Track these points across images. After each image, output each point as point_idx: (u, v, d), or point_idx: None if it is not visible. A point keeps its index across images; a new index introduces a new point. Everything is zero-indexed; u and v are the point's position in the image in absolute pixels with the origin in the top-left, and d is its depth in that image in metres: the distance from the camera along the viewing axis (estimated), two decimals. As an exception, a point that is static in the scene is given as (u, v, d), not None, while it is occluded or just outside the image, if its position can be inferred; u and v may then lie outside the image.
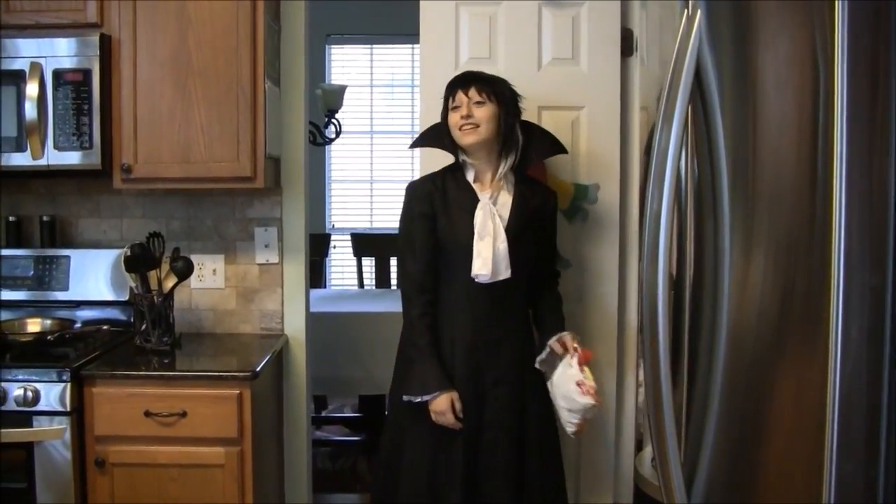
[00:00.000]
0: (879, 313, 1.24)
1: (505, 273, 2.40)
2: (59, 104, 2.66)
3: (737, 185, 1.37)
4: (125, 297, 2.95)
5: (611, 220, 2.91)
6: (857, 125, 1.23)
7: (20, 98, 2.65)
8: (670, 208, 1.38)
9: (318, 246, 5.26)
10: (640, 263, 1.43)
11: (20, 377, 2.44)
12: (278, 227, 3.06)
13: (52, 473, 2.44)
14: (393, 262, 5.11)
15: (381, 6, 5.72)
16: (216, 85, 2.69)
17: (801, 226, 1.30)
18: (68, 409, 2.44)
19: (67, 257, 2.97)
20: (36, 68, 2.64)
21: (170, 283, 2.78)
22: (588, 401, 2.34)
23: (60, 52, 2.66)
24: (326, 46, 6.33)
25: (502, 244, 2.40)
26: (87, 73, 2.66)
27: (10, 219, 3.03)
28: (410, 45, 6.19)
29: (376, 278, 5.44)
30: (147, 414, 2.47)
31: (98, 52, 2.66)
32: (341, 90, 4.87)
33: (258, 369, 2.57)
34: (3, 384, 2.43)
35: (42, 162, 2.67)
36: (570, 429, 2.43)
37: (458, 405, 2.41)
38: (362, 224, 6.48)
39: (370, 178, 6.55)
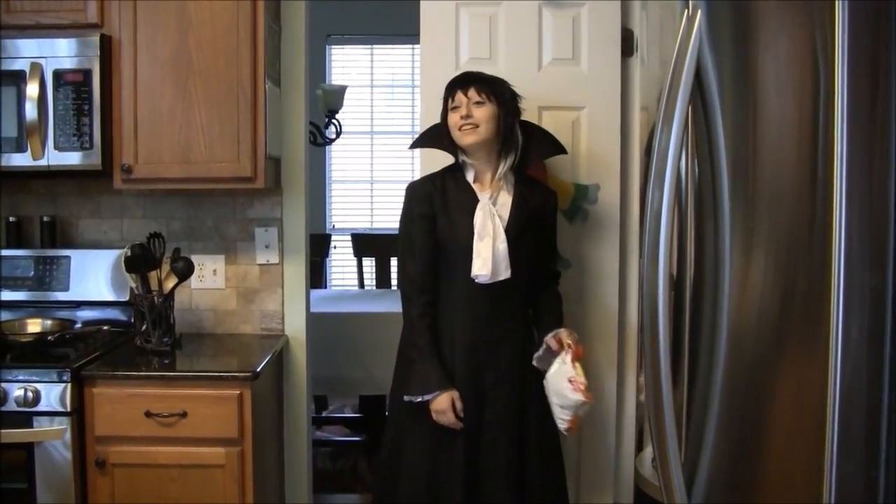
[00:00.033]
0: (880, 313, 1.24)
1: (505, 273, 2.40)
2: (60, 104, 2.66)
3: (737, 186, 1.38)
4: (125, 298, 2.95)
5: (611, 220, 2.91)
6: (857, 125, 1.23)
7: (20, 98, 2.65)
8: (670, 208, 1.38)
9: (319, 246, 5.26)
10: (641, 263, 1.43)
11: (20, 378, 2.44)
12: (279, 227, 3.06)
13: (52, 474, 2.44)
14: (393, 262, 5.11)
15: (382, 6, 5.72)
16: (216, 85, 2.69)
17: (801, 226, 1.30)
18: (69, 409, 2.44)
19: (68, 258, 2.97)
20: (36, 69, 2.64)
21: (170, 283, 2.79)
22: (578, 397, 2.34)
23: (61, 53, 2.66)
24: (327, 47, 6.33)
25: (502, 244, 2.40)
26: (87, 74, 2.66)
27: (11, 219, 3.03)
28: (411, 46, 6.19)
29: (377, 279, 5.44)
30: (147, 414, 2.47)
31: (98, 53, 2.66)
32: (341, 90, 4.87)
33: (258, 370, 2.57)
34: (4, 385, 2.43)
35: (42, 162, 2.67)
36: (562, 425, 2.43)
37: (458, 404, 2.41)
38: (363, 224, 6.47)
39: (370, 178, 6.55)
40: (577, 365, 2.39)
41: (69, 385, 2.44)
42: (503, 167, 2.48)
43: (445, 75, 2.59)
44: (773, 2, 1.34)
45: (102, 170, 2.70)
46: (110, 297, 2.97)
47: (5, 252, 2.98)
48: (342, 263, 6.48)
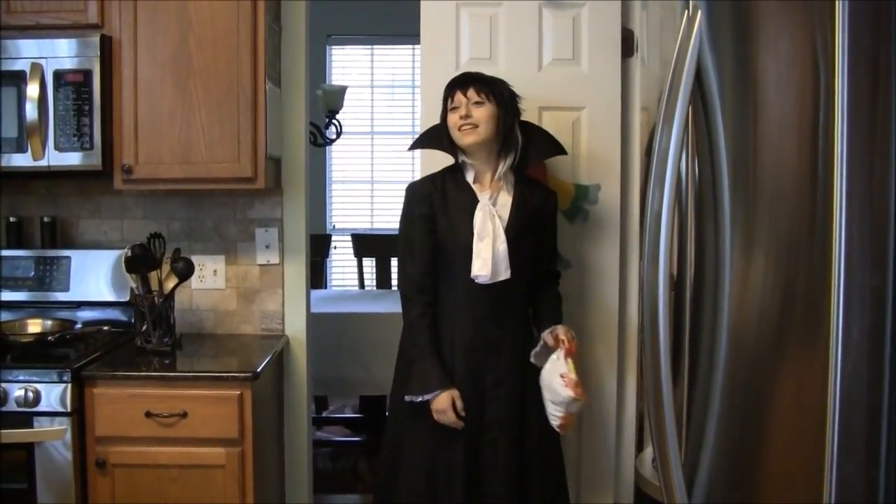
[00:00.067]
0: (880, 314, 1.24)
1: (505, 274, 2.40)
2: (60, 105, 2.66)
3: (737, 186, 1.38)
4: (126, 298, 2.95)
5: (611, 220, 2.91)
6: (857, 125, 1.23)
7: (21, 99, 2.65)
8: (671, 209, 1.38)
9: (319, 246, 5.26)
10: (641, 264, 1.43)
11: (21, 378, 2.44)
12: (279, 227, 3.06)
13: (52, 474, 2.44)
14: (394, 262, 5.10)
15: (382, 7, 5.72)
16: (217, 85, 2.69)
17: (801, 226, 1.30)
18: (69, 409, 2.44)
19: (68, 258, 2.97)
20: (37, 69, 2.64)
21: (170, 283, 2.79)
22: (568, 393, 2.34)
23: (61, 53, 2.66)
24: (327, 47, 6.33)
25: (502, 245, 2.40)
26: (87, 74, 2.66)
27: (11, 219, 3.03)
28: (411, 46, 6.20)
29: (377, 279, 5.44)
30: (148, 415, 2.47)
31: (99, 53, 2.66)
32: (342, 91, 4.88)
33: (259, 370, 2.57)
34: (4, 385, 2.43)
35: (43, 163, 2.67)
36: (554, 422, 2.42)
37: (458, 403, 2.41)
38: (363, 225, 6.47)
39: (371, 178, 6.55)
40: (570, 361, 2.38)
41: (69, 385, 2.44)
42: (503, 167, 2.48)
43: (446, 75, 2.59)
44: (773, 2, 1.34)
45: (103, 170, 2.70)
46: (111, 298, 2.97)
47: (5, 252, 2.98)
48: (342, 264, 6.48)
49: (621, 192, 2.92)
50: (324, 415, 4.88)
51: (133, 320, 2.90)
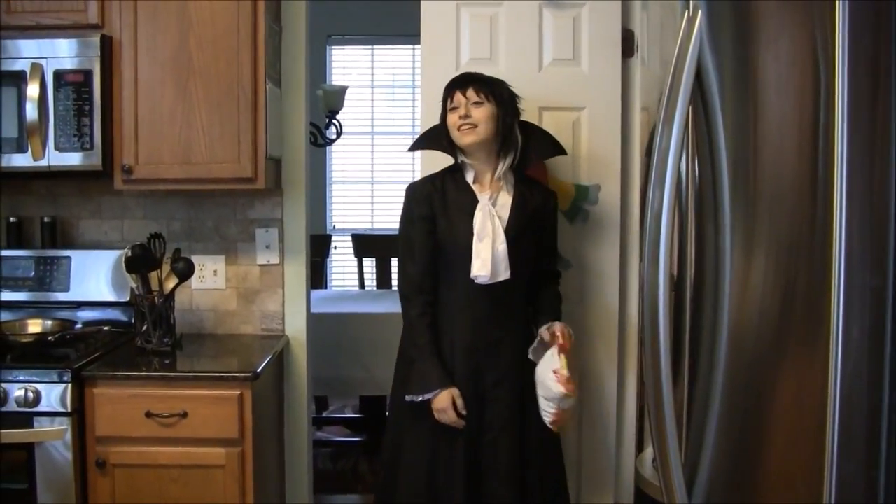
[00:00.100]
0: (880, 314, 1.24)
1: (504, 274, 2.40)
2: (60, 105, 2.66)
3: (737, 186, 1.38)
4: (126, 298, 2.95)
5: (611, 220, 2.91)
6: (857, 125, 1.23)
7: (21, 99, 2.65)
8: (671, 209, 1.38)
9: (319, 247, 5.26)
10: (641, 264, 1.43)
11: (21, 378, 2.44)
12: (279, 227, 3.07)
13: (52, 474, 2.44)
14: (394, 262, 5.10)
15: (382, 7, 5.72)
16: (217, 86, 2.69)
17: (801, 226, 1.30)
18: (69, 409, 2.44)
19: (68, 258, 2.97)
20: (37, 69, 2.64)
21: (171, 283, 2.79)
22: (560, 389, 2.33)
23: (61, 53, 2.66)
24: (327, 47, 6.33)
25: (501, 245, 2.40)
26: (87, 74, 2.66)
27: (11, 220, 3.03)
28: (411, 46, 6.19)
29: (377, 279, 5.44)
30: (148, 415, 2.47)
31: (99, 53, 2.66)
32: (342, 91, 4.88)
33: (259, 370, 2.57)
34: (4, 385, 2.43)
35: (43, 163, 2.67)
36: (546, 418, 2.41)
37: (459, 402, 2.41)
38: (363, 225, 6.48)
39: (371, 178, 6.55)
40: (563, 357, 2.37)
41: (70, 385, 2.44)
42: (502, 167, 2.48)
43: (446, 76, 2.59)
44: (773, 2, 1.34)
45: (103, 170, 2.70)
46: (111, 298, 2.97)
47: (6, 252, 2.98)
48: (343, 264, 6.48)
49: (621, 192, 2.92)
50: (324, 415, 4.88)
51: (133, 320, 2.90)
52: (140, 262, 2.76)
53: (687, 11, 1.40)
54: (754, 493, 1.38)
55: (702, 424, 1.44)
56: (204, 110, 2.70)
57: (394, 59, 6.46)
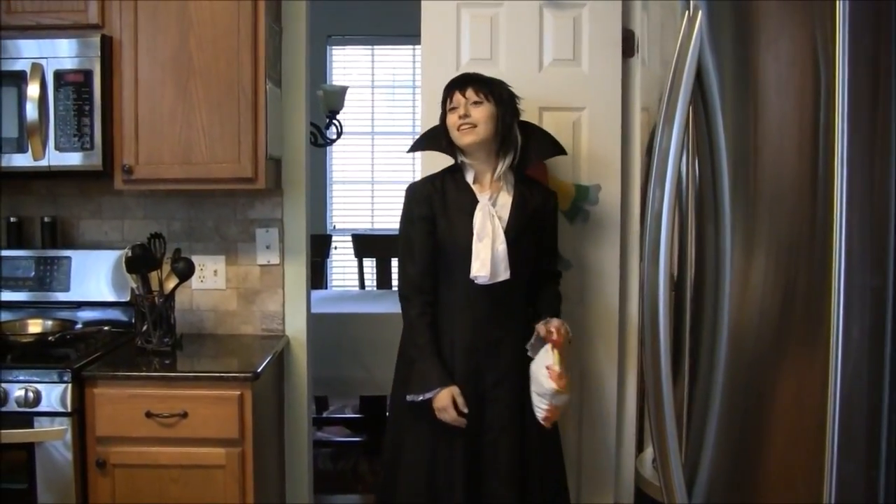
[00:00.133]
0: (880, 314, 1.24)
1: (504, 274, 2.40)
2: (61, 105, 2.66)
3: (738, 186, 1.38)
4: (126, 298, 2.95)
5: (612, 220, 2.92)
6: (857, 125, 1.23)
7: (21, 99, 2.65)
8: (671, 209, 1.38)
9: (319, 247, 5.26)
10: (641, 264, 1.43)
11: (21, 378, 2.44)
12: (279, 228, 3.07)
13: (52, 474, 2.44)
14: (394, 263, 5.10)
15: (382, 7, 5.72)
16: (217, 86, 2.69)
17: (801, 226, 1.30)
18: (69, 409, 2.44)
19: (68, 258, 2.97)
20: (37, 69, 2.65)
21: (171, 283, 2.79)
22: (551, 385, 2.32)
23: (62, 53, 2.66)
24: (327, 47, 6.33)
25: (501, 245, 2.40)
26: (88, 74, 2.66)
27: (12, 220, 3.04)
28: (412, 46, 6.19)
29: (377, 279, 5.44)
30: (148, 415, 2.47)
31: (99, 53, 2.66)
32: (342, 91, 4.87)
33: (259, 370, 2.57)
34: (4, 385, 2.43)
35: (43, 163, 2.67)
36: (539, 414, 2.40)
37: (459, 400, 2.41)
38: (363, 225, 6.48)
39: (371, 178, 6.55)
40: (556, 353, 2.36)
41: (70, 385, 2.44)
42: (502, 167, 2.48)
43: (446, 76, 2.59)
44: (773, 2, 1.34)
45: (103, 170, 2.70)
46: (111, 298, 2.97)
47: (6, 252, 2.98)
48: (343, 264, 6.48)
49: (622, 192, 2.92)
50: (324, 415, 4.88)
51: (133, 320, 2.91)
52: (140, 262, 2.76)
53: (687, 11, 1.40)
54: (754, 493, 1.38)
55: (702, 424, 1.44)
56: (204, 110, 2.70)
57: (394, 60, 6.46)
